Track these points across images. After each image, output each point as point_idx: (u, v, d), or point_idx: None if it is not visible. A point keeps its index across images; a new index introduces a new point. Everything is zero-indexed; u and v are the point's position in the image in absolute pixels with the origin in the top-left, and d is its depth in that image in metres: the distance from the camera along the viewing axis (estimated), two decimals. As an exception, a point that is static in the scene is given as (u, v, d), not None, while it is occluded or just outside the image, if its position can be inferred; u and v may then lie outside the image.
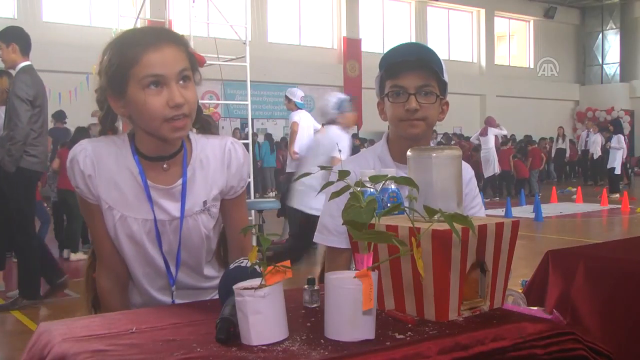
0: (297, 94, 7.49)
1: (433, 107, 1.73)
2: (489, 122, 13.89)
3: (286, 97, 7.57)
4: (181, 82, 1.41)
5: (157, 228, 1.51)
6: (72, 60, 14.01)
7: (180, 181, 1.51)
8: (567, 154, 19.16)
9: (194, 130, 1.61)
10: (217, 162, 1.56)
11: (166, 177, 1.51)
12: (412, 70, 1.70)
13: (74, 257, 7.28)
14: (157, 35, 1.43)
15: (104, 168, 1.49)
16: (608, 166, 14.55)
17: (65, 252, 7.40)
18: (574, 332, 1.17)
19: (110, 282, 1.60)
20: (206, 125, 1.63)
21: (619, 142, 14.28)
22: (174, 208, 1.52)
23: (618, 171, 14.37)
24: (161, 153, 1.50)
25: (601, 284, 2.08)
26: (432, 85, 1.72)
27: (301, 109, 7.48)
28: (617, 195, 13.32)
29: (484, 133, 13.65)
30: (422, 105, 1.70)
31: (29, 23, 14.48)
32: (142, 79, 1.38)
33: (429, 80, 1.71)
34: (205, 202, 1.54)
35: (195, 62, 1.50)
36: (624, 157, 15.03)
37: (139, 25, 12.26)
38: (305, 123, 7.42)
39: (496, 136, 13.96)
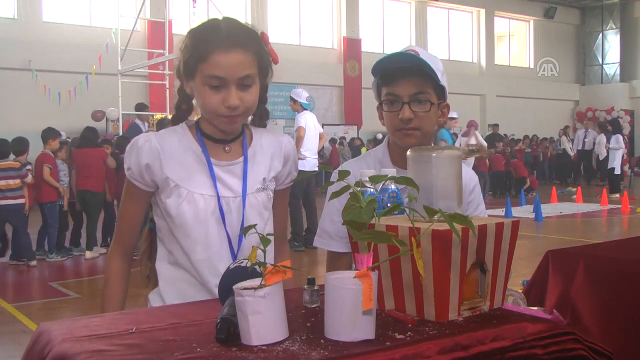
0: (303, 95, 7.45)
1: (428, 116, 1.69)
2: (474, 124, 13.99)
3: (291, 98, 7.51)
4: (242, 86, 1.51)
5: (221, 205, 1.57)
6: (71, 60, 14.01)
7: (241, 159, 1.61)
8: (573, 154, 19.13)
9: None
10: (274, 150, 1.68)
11: (228, 156, 1.62)
12: (407, 77, 1.67)
13: (89, 255, 7.35)
14: (230, 37, 1.51)
15: (169, 152, 1.58)
16: (608, 166, 14.57)
17: (85, 252, 7.48)
18: (574, 332, 1.17)
19: (124, 263, 1.67)
20: (264, 113, 1.73)
21: (617, 142, 14.29)
22: (236, 184, 1.60)
23: (618, 171, 14.38)
24: (223, 137, 1.61)
25: (601, 284, 2.08)
26: (428, 92, 1.68)
27: (307, 109, 7.45)
28: (617, 195, 13.33)
29: (468, 134, 13.66)
30: (417, 114, 1.67)
31: (29, 23, 14.56)
32: (206, 77, 1.49)
33: (424, 86, 1.67)
34: (264, 180, 1.63)
35: (266, 61, 1.60)
36: (624, 156, 15.05)
37: (138, 26, 12.31)
38: (312, 124, 7.42)
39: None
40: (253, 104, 1.56)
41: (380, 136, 17.49)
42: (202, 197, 1.57)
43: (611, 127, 15.62)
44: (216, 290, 1.58)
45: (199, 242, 1.58)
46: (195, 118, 1.68)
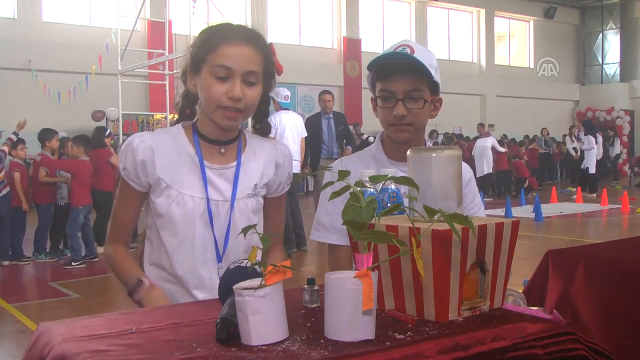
0: (281, 94, 7.20)
1: (421, 112, 1.72)
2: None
3: (271, 97, 7.26)
4: (246, 81, 1.53)
5: (210, 208, 1.59)
6: (71, 60, 14.00)
7: (234, 163, 1.63)
8: (577, 154, 19.13)
9: (250, 130, 1.77)
10: (267, 156, 1.69)
11: (222, 159, 1.63)
12: (402, 74, 1.68)
13: (101, 249, 7.43)
14: (242, 34, 1.56)
15: (162, 152, 1.60)
16: (582, 166, 14.78)
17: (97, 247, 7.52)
18: (574, 332, 1.17)
19: (127, 249, 1.70)
20: (266, 128, 1.75)
21: (589, 143, 14.52)
22: (227, 189, 1.62)
23: (593, 170, 14.54)
24: (220, 137, 1.63)
25: (601, 284, 2.08)
26: (422, 90, 1.70)
27: (286, 109, 7.18)
28: (594, 194, 13.58)
29: (486, 135, 14.12)
30: (410, 111, 1.70)
31: (29, 23, 14.56)
32: (214, 66, 1.52)
33: (419, 84, 1.69)
34: (255, 186, 1.65)
35: (271, 69, 1.62)
36: (599, 156, 15.29)
37: (138, 26, 12.31)
38: (288, 123, 7.09)
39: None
40: (254, 103, 1.57)
41: (372, 139, 17.51)
42: (191, 199, 1.58)
43: (583, 127, 15.84)
44: (196, 293, 1.61)
45: (185, 243, 1.60)
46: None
